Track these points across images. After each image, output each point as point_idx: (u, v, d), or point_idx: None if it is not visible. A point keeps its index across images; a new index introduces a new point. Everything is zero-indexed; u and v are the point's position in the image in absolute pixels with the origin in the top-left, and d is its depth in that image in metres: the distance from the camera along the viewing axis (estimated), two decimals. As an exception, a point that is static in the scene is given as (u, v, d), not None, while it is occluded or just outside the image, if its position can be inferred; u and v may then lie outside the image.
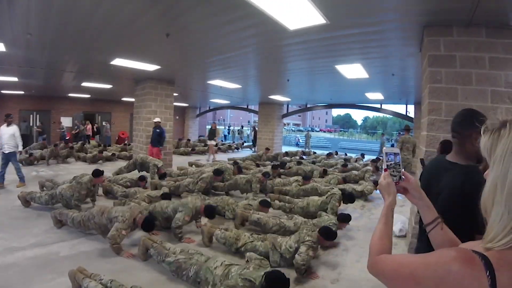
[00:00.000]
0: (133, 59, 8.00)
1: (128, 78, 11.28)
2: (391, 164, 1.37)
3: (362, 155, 16.94)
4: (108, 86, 13.74)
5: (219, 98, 18.39)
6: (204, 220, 5.81)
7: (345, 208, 7.24)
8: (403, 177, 1.35)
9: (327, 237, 4.36)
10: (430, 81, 4.39)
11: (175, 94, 12.58)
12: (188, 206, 5.31)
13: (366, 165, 12.38)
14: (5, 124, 8.23)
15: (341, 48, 6.34)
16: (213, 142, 15.66)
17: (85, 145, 15.44)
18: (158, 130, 10.49)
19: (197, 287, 3.70)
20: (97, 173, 6.37)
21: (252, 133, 22.09)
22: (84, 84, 13.06)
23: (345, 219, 5.49)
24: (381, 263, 1.07)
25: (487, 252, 0.83)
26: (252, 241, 4.60)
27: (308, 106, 19.63)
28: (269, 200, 6.70)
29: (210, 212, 5.43)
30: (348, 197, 6.68)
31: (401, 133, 13.84)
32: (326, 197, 6.57)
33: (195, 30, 5.66)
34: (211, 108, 26.15)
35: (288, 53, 7.10)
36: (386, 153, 1.40)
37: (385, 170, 1.37)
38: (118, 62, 8.27)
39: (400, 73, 8.46)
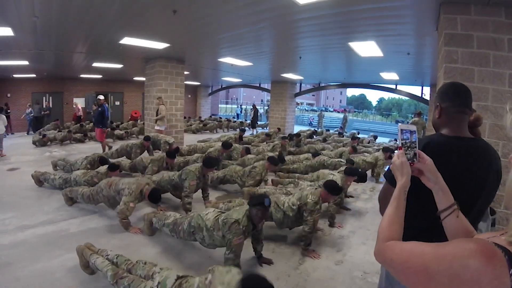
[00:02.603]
0: (141, 37, 7.90)
1: (138, 57, 11.19)
2: (406, 142, 1.28)
3: (375, 137, 16.57)
4: (119, 66, 13.69)
5: (231, 77, 18.20)
6: (212, 198, 5.87)
7: (355, 189, 7.18)
8: (418, 157, 1.26)
9: (332, 191, 4.21)
10: (446, 61, 4.20)
11: (186, 73, 12.47)
12: (191, 170, 5.32)
13: (378, 150, 12.07)
14: None
15: (354, 24, 6.14)
16: (161, 128, 10.91)
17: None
18: (100, 109, 9.96)
19: (194, 239, 3.82)
20: (113, 168, 6.30)
21: (252, 112, 20.39)
22: (95, 64, 13.01)
23: (352, 172, 5.29)
24: (389, 251, 0.98)
25: (510, 247, 0.73)
26: None
27: (322, 85, 19.31)
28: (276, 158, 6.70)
29: (209, 162, 5.43)
30: (360, 177, 6.52)
31: (415, 115, 13.75)
32: (338, 172, 6.48)
33: (203, 6, 5.51)
34: (223, 86, 25.95)
35: (299, 29, 6.88)
36: (401, 130, 1.30)
37: (399, 148, 1.28)
38: (126, 41, 8.17)
39: (416, 53, 8.17)
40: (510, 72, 3.97)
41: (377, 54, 8.36)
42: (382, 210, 1.67)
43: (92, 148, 11.16)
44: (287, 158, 8.95)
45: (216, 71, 15.54)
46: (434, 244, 0.85)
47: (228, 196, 6.43)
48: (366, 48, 7.89)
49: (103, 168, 6.39)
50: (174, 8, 5.55)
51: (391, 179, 1.56)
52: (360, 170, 6.68)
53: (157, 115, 10.90)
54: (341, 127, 19.03)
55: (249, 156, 8.19)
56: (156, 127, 11.00)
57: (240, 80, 20.16)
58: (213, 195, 6.24)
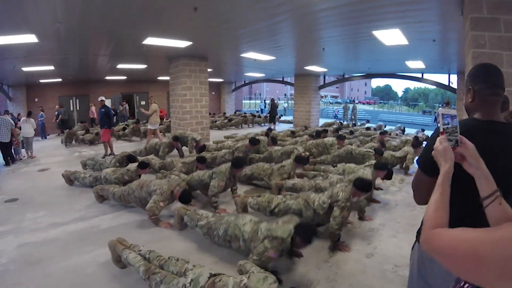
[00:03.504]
0: (164, 36, 8.00)
1: (161, 57, 11.35)
2: (447, 127, 1.27)
3: (403, 130, 16.04)
4: (143, 66, 13.95)
5: (253, 72, 18.23)
6: (240, 192, 5.89)
7: (384, 181, 7.05)
8: (460, 142, 1.24)
9: (362, 188, 4.17)
10: (473, 46, 4.07)
11: (209, 70, 12.54)
12: (221, 171, 5.38)
13: (406, 141, 11.84)
14: None
15: (377, 12, 5.99)
16: (154, 127, 11.25)
17: (125, 130, 15.18)
18: (103, 110, 10.03)
19: (229, 246, 3.79)
20: (143, 165, 6.38)
21: (269, 106, 19.96)
22: (120, 66, 13.35)
23: (382, 167, 5.20)
24: (437, 239, 0.97)
25: None
26: (285, 201, 4.55)
27: (346, 76, 18.99)
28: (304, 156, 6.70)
29: (238, 163, 5.46)
30: (386, 174, 6.40)
31: (443, 105, 13.53)
32: (365, 166, 6.39)
33: (222, 1, 5.52)
34: (246, 82, 26.03)
35: (322, 19, 6.78)
36: (442, 115, 1.29)
37: (441, 133, 1.27)
38: (149, 41, 8.30)
39: (442, 39, 7.95)
40: (539, 56, 3.81)
41: (402, 42, 8.18)
42: (416, 197, 1.67)
43: (120, 147, 11.47)
44: (309, 143, 9.06)
45: (239, 66, 15.63)
46: (483, 229, 0.84)
47: (255, 190, 6.46)
48: (391, 36, 7.72)
49: (133, 166, 6.51)
50: (194, 5, 5.58)
51: (424, 166, 1.57)
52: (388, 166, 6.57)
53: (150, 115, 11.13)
54: (365, 122, 18.94)
55: (276, 148, 8.20)
56: (149, 126, 11.20)
57: (263, 75, 20.16)
58: (241, 189, 6.28)
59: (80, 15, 5.96)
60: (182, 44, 8.81)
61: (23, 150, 10.52)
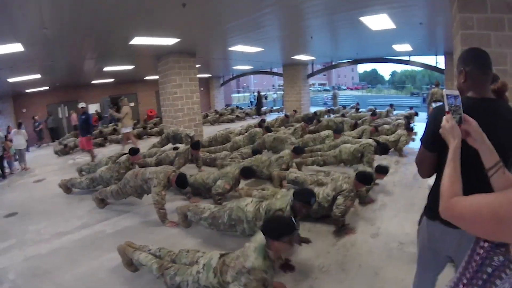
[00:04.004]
0: (151, 35, 7.92)
1: (149, 56, 11.26)
2: (451, 107, 1.35)
3: (391, 105, 16.51)
4: (131, 67, 13.82)
5: (241, 65, 18.19)
6: (242, 185, 5.88)
7: (380, 163, 7.16)
8: (463, 120, 1.33)
9: (364, 181, 4.31)
10: (462, 28, 4.17)
11: (197, 66, 12.48)
12: (229, 175, 5.36)
13: (398, 119, 12.08)
14: None
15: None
16: (128, 130, 10.83)
17: (116, 129, 15.32)
18: (83, 117, 9.73)
19: (234, 231, 3.89)
20: (134, 151, 6.42)
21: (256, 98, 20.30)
22: (107, 68, 13.22)
23: (382, 170, 5.28)
24: (458, 206, 1.05)
25: None
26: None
27: (334, 63, 19.03)
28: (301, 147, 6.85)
29: (246, 172, 5.44)
30: (382, 148, 6.53)
31: (433, 86, 13.76)
32: (360, 145, 6.50)
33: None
34: (234, 75, 25.93)
35: (309, 8, 6.76)
36: (446, 95, 1.37)
37: (447, 112, 1.35)
38: (137, 41, 8.20)
39: (428, 22, 8.04)
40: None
41: (389, 27, 8.21)
42: (420, 171, 1.87)
43: (114, 151, 11.31)
44: (306, 137, 9.09)
45: (227, 60, 15.58)
46: (497, 193, 0.91)
47: (257, 182, 6.46)
48: (378, 22, 7.73)
49: (123, 158, 6.43)
50: (183, 1, 5.55)
51: (427, 143, 1.76)
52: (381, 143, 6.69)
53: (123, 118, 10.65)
54: (355, 105, 19.10)
55: (268, 134, 8.39)
56: (123, 130, 10.94)
57: (251, 67, 20.13)
58: (242, 182, 6.30)
59: (67, 20, 5.90)
60: (170, 41, 8.73)
61: (16, 163, 10.42)
